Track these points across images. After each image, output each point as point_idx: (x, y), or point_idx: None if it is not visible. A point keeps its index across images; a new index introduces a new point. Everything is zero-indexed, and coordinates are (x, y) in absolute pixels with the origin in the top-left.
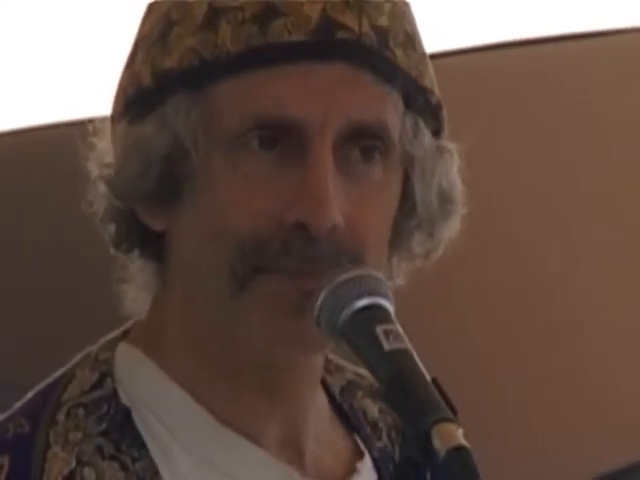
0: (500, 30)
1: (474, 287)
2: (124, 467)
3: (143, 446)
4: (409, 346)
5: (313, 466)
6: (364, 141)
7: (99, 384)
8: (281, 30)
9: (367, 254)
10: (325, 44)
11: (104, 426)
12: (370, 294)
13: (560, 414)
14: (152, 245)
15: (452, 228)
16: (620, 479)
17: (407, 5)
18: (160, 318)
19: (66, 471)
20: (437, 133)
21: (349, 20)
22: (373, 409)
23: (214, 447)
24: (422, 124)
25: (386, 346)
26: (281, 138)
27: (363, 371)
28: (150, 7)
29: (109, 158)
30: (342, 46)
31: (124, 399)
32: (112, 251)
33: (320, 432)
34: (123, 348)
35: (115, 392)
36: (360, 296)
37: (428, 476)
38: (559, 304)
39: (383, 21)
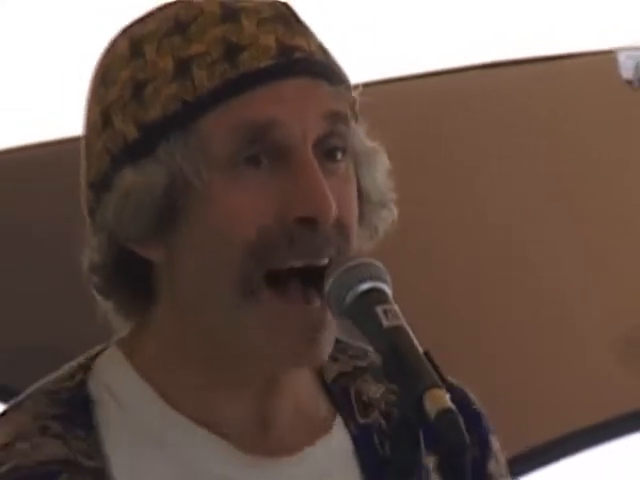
0: (471, 53)
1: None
2: (67, 444)
3: (91, 429)
4: (404, 323)
5: (279, 440)
6: (330, 141)
7: (70, 377)
8: (249, 60)
9: (350, 241)
10: (287, 64)
11: (57, 411)
12: (371, 279)
13: (496, 388)
14: (138, 280)
15: (390, 216)
16: (553, 450)
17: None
18: (144, 329)
19: (1, 443)
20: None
21: (300, 42)
22: (375, 390)
23: (159, 427)
24: (357, 126)
25: (385, 323)
26: (263, 152)
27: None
28: (103, 79)
29: (99, 211)
30: (301, 63)
31: (92, 390)
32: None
33: (300, 407)
34: (108, 351)
35: (81, 383)
36: (362, 281)
37: (421, 434)
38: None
39: (318, 41)
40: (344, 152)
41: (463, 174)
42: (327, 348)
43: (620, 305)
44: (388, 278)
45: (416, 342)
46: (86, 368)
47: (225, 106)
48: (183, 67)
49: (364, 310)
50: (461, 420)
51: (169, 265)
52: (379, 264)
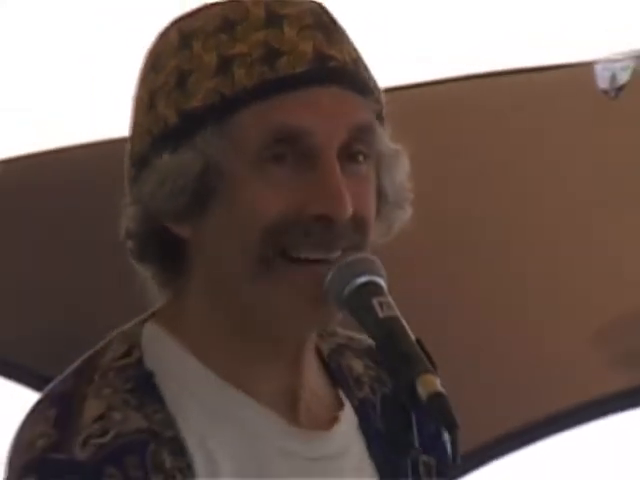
0: (450, 65)
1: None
2: (147, 417)
3: (161, 402)
4: (398, 314)
5: (304, 414)
6: (355, 147)
7: (127, 354)
8: (286, 65)
9: (367, 236)
10: (321, 71)
11: (129, 385)
12: (368, 273)
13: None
14: (169, 255)
15: (404, 216)
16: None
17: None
18: (180, 304)
19: (97, 413)
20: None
21: (335, 53)
22: (358, 366)
23: (219, 400)
24: (381, 130)
25: (380, 314)
26: (290, 152)
27: (353, 334)
28: (153, 65)
29: (137, 186)
30: (334, 73)
31: (148, 365)
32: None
33: (312, 385)
34: (149, 326)
35: (140, 360)
36: (360, 275)
37: (413, 416)
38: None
39: (353, 53)
40: (367, 156)
41: (448, 180)
42: (334, 309)
43: (599, 301)
44: (384, 273)
45: (409, 331)
46: (137, 346)
47: (260, 105)
48: (225, 64)
49: (361, 302)
50: (451, 403)
51: (199, 243)
52: (375, 259)
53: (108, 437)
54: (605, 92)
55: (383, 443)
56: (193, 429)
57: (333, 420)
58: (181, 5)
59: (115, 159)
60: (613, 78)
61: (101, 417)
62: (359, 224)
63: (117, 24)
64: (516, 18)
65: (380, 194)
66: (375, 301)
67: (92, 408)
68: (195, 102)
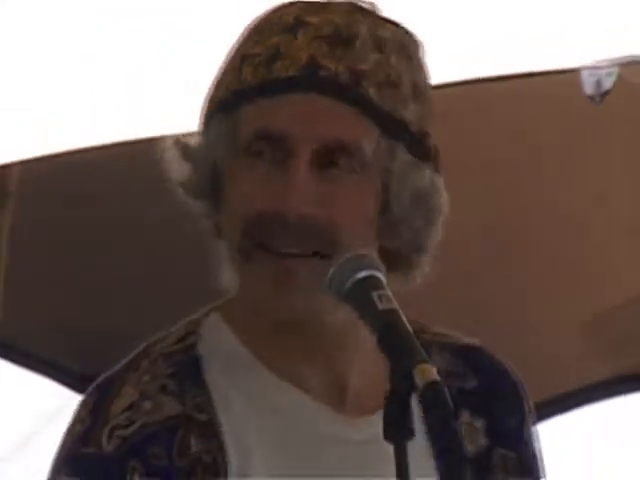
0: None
1: None
2: (182, 401)
3: (202, 386)
4: (397, 306)
5: (352, 401)
6: (334, 155)
7: (182, 339)
8: (281, 68)
9: (341, 236)
10: (309, 79)
11: (171, 370)
12: (368, 268)
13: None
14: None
15: (434, 221)
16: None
17: (403, 57)
18: (237, 292)
19: (128, 402)
20: (423, 156)
21: (329, 63)
22: (438, 360)
23: (261, 388)
24: (401, 147)
25: (379, 306)
26: (268, 151)
27: (448, 332)
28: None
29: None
30: (322, 81)
31: (200, 351)
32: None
33: (368, 374)
34: (213, 314)
35: (193, 345)
36: (361, 269)
37: (411, 401)
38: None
39: (363, 66)
40: (360, 166)
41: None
42: (300, 300)
43: (588, 293)
44: (383, 268)
45: (407, 323)
46: (194, 333)
47: (253, 105)
48: (242, 63)
49: (362, 294)
50: (446, 390)
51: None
52: (374, 256)
53: (133, 428)
54: (591, 97)
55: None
56: (231, 414)
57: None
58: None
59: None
60: (598, 84)
61: (130, 407)
62: (328, 225)
63: (117, 24)
64: (510, 22)
65: (388, 209)
66: (375, 294)
67: (125, 396)
68: (217, 93)
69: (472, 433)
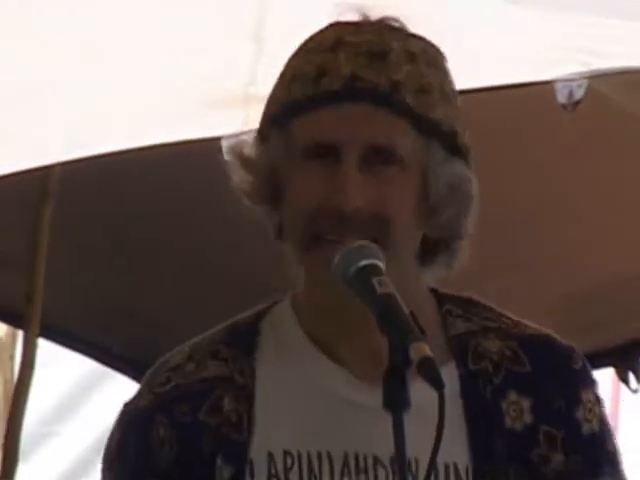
0: None
1: None
2: (228, 366)
3: (251, 355)
4: (394, 290)
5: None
6: (379, 156)
7: (250, 316)
8: (327, 83)
9: (391, 229)
10: (352, 90)
11: (229, 340)
12: (369, 257)
13: None
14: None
15: (468, 207)
16: None
17: (432, 66)
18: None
19: (175, 363)
20: (455, 151)
21: (369, 75)
22: (493, 345)
23: (309, 364)
24: (434, 145)
25: (378, 290)
26: (323, 155)
27: (516, 320)
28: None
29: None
30: (364, 92)
31: (262, 327)
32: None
33: None
34: (282, 302)
35: (256, 321)
36: (362, 258)
37: (407, 375)
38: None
39: (398, 76)
40: (401, 165)
41: None
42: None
43: (557, 278)
44: (382, 256)
45: (403, 305)
46: (264, 312)
47: (305, 116)
48: (292, 80)
49: (363, 280)
50: (437, 365)
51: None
52: (374, 246)
53: (167, 387)
54: (564, 106)
55: (486, 409)
56: (268, 383)
57: (415, 378)
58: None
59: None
60: (570, 94)
61: (174, 368)
62: (379, 217)
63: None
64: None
65: (426, 200)
66: (374, 280)
67: (176, 357)
68: (272, 109)
69: (517, 411)
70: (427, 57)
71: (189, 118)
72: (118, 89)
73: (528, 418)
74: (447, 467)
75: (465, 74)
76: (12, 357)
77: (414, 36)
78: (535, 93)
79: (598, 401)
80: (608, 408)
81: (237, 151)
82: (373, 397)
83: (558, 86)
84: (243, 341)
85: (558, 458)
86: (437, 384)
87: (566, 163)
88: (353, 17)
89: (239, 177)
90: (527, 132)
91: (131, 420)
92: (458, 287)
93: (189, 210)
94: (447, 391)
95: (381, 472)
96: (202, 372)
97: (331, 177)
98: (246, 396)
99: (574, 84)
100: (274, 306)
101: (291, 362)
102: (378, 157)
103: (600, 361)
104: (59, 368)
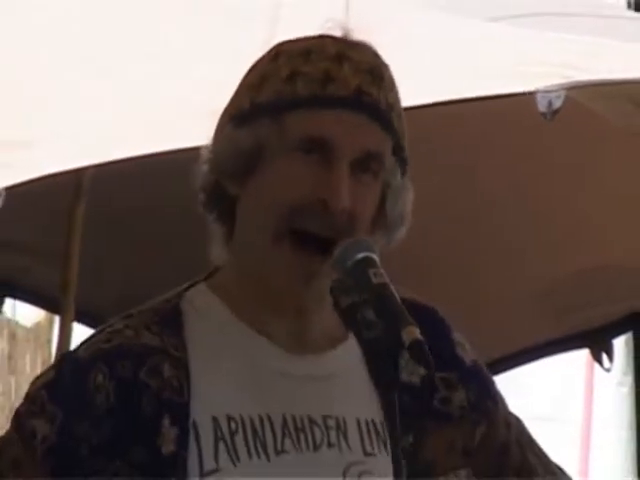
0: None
1: None
2: (161, 340)
3: (180, 334)
4: (388, 280)
5: (309, 347)
6: (366, 164)
7: (169, 300)
8: (335, 89)
9: (355, 228)
10: (357, 101)
11: (157, 318)
12: (365, 250)
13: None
14: (225, 210)
15: (403, 229)
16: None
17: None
18: (221, 269)
19: (113, 329)
20: (403, 166)
21: (372, 91)
22: (373, 315)
23: (233, 335)
24: (397, 166)
25: (374, 280)
26: (317, 150)
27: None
28: (252, 67)
29: (210, 149)
30: (367, 105)
31: (184, 307)
32: (200, 210)
33: (323, 325)
34: (198, 285)
35: (177, 304)
36: (360, 251)
37: (400, 357)
38: None
39: (390, 98)
40: (375, 174)
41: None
42: (317, 291)
43: (543, 261)
44: (377, 250)
45: (396, 294)
46: (180, 295)
47: (307, 112)
48: (293, 77)
49: (360, 271)
50: (426, 347)
51: (241, 204)
52: (370, 240)
53: (110, 344)
54: (543, 115)
55: (385, 375)
56: (202, 355)
57: (329, 348)
58: None
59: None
60: (549, 104)
61: (114, 332)
62: (351, 217)
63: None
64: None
65: (381, 212)
66: (370, 271)
67: (113, 326)
68: (264, 97)
69: (411, 367)
70: (396, 85)
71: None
72: (139, 99)
73: (422, 370)
74: (367, 423)
75: (451, 86)
76: (49, 340)
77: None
78: (515, 104)
79: (462, 338)
80: (583, 386)
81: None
82: (300, 367)
83: (538, 97)
84: (169, 321)
85: (459, 395)
86: (426, 364)
87: (547, 163)
88: (337, 34)
89: (216, 147)
90: (509, 141)
91: (69, 365)
92: (445, 267)
93: None
94: (354, 359)
95: (316, 430)
96: (141, 339)
97: (324, 174)
98: (182, 366)
99: (553, 95)
100: (188, 289)
101: (223, 338)
102: (365, 164)
103: (576, 343)
104: None
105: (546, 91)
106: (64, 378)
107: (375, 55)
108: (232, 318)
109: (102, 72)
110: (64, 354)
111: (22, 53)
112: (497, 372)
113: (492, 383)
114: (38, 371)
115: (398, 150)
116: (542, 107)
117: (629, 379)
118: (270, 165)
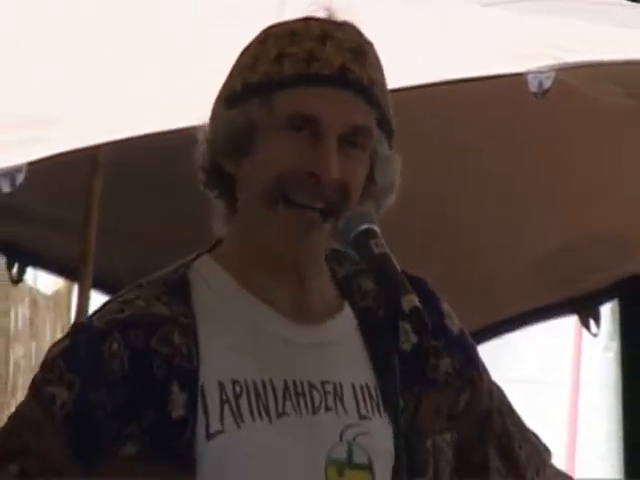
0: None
1: None
2: (170, 309)
3: (188, 302)
4: (388, 251)
5: (308, 315)
6: (353, 138)
7: (175, 270)
8: (319, 67)
9: (349, 199)
10: (341, 78)
11: (166, 288)
12: (368, 222)
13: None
14: (225, 188)
15: (391, 196)
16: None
17: (383, 73)
18: (225, 239)
19: (125, 299)
20: (390, 137)
21: (355, 68)
22: (369, 284)
23: (237, 303)
24: (383, 137)
25: (375, 251)
26: (306, 128)
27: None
28: (244, 51)
29: (207, 130)
30: (350, 81)
31: (191, 277)
32: (201, 188)
33: (321, 293)
34: (203, 256)
35: (184, 274)
36: (362, 223)
37: (400, 324)
38: None
39: (373, 74)
40: (363, 147)
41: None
42: (313, 251)
43: (533, 234)
44: (377, 221)
45: (396, 263)
46: (187, 265)
47: (294, 90)
48: (280, 57)
49: (362, 242)
50: (425, 312)
51: (239, 181)
52: (372, 212)
53: (123, 314)
54: (534, 94)
55: (379, 342)
56: (209, 323)
57: (327, 317)
58: None
59: None
60: (540, 84)
61: (126, 302)
62: (343, 188)
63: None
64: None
65: (371, 181)
66: (372, 242)
67: (124, 297)
68: (254, 78)
69: (404, 335)
70: (380, 64)
71: None
72: (155, 80)
73: (413, 338)
74: (362, 388)
75: (448, 68)
76: (69, 307)
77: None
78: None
79: (450, 309)
80: (572, 350)
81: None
82: (302, 335)
83: (529, 77)
84: (178, 291)
85: (445, 362)
86: (424, 330)
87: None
88: (322, 15)
89: (212, 128)
90: (503, 119)
91: (84, 334)
92: (441, 239)
93: None
94: (349, 327)
95: (315, 394)
96: (152, 309)
97: (313, 147)
98: (191, 334)
99: (543, 75)
100: (195, 260)
101: (229, 306)
102: (353, 138)
103: (565, 310)
104: None
105: (537, 72)
106: (80, 346)
107: (358, 34)
108: (236, 287)
109: (122, 56)
110: (79, 323)
111: (50, 38)
112: (491, 337)
113: (477, 353)
114: (58, 336)
115: (383, 123)
116: (533, 87)
117: (615, 344)
118: (262, 144)
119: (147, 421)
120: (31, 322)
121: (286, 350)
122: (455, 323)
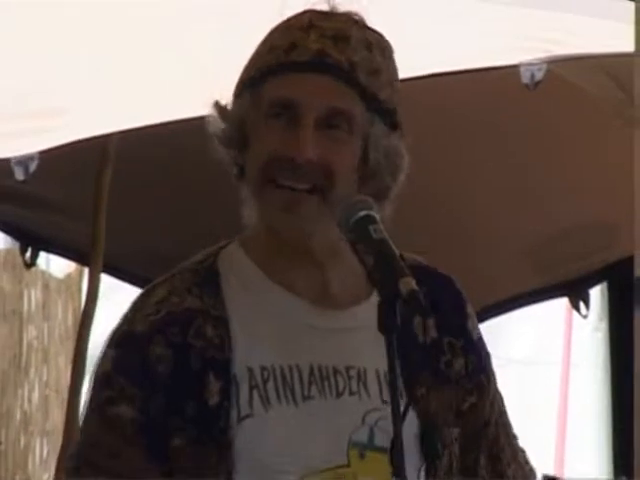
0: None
1: None
2: (202, 301)
3: (218, 293)
4: (387, 236)
5: (331, 301)
6: (333, 121)
7: (203, 260)
8: (297, 54)
9: (334, 180)
10: (318, 63)
11: (197, 280)
12: (366, 208)
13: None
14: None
15: (397, 176)
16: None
17: (382, 55)
18: (251, 229)
19: (160, 297)
20: (392, 126)
21: (334, 53)
22: None
23: (264, 293)
24: (377, 119)
25: (374, 236)
26: (284, 114)
27: (405, 255)
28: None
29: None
30: (328, 66)
31: (217, 268)
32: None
33: (344, 281)
34: (230, 245)
35: (212, 264)
36: (361, 209)
37: (397, 305)
38: None
39: (356, 59)
40: (349, 130)
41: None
42: (301, 223)
43: (526, 220)
44: (376, 207)
45: (394, 248)
46: (215, 255)
47: (274, 80)
48: (269, 50)
49: (361, 228)
50: (421, 295)
51: (245, 173)
52: (370, 199)
53: (160, 315)
54: (527, 86)
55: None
56: (238, 312)
57: (352, 304)
58: None
59: None
60: (532, 76)
61: (161, 300)
62: (325, 169)
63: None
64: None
65: (365, 163)
66: (371, 227)
67: (158, 294)
68: (248, 73)
69: (424, 328)
70: (380, 47)
71: None
72: (164, 70)
73: (434, 333)
74: (385, 374)
75: (443, 60)
76: (80, 290)
77: (371, 29)
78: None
79: (475, 314)
80: (563, 331)
81: (219, 105)
82: (326, 321)
83: (522, 69)
84: (208, 282)
85: (459, 361)
86: (423, 311)
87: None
88: (324, 7)
89: (216, 124)
90: (496, 111)
91: (129, 341)
92: (440, 223)
93: None
94: (374, 315)
95: (340, 379)
96: (185, 304)
97: (290, 131)
98: (223, 324)
99: (535, 67)
100: (224, 248)
101: (255, 295)
102: (332, 120)
103: (557, 292)
104: (119, 298)
105: (529, 64)
106: (131, 356)
107: (347, 21)
108: (262, 276)
109: (130, 49)
110: (120, 331)
111: (62, 31)
112: (485, 319)
113: (490, 362)
114: (69, 317)
115: (373, 104)
116: (525, 79)
117: (604, 325)
118: (253, 136)
119: (189, 411)
120: (44, 305)
121: (311, 336)
122: (476, 327)
